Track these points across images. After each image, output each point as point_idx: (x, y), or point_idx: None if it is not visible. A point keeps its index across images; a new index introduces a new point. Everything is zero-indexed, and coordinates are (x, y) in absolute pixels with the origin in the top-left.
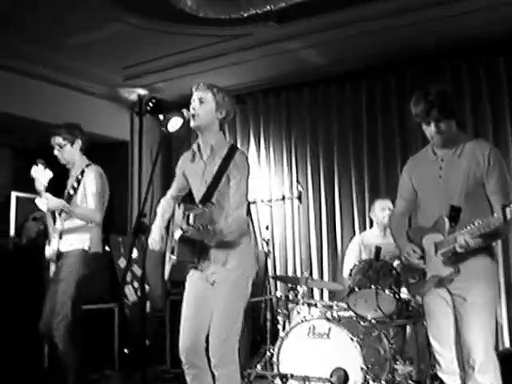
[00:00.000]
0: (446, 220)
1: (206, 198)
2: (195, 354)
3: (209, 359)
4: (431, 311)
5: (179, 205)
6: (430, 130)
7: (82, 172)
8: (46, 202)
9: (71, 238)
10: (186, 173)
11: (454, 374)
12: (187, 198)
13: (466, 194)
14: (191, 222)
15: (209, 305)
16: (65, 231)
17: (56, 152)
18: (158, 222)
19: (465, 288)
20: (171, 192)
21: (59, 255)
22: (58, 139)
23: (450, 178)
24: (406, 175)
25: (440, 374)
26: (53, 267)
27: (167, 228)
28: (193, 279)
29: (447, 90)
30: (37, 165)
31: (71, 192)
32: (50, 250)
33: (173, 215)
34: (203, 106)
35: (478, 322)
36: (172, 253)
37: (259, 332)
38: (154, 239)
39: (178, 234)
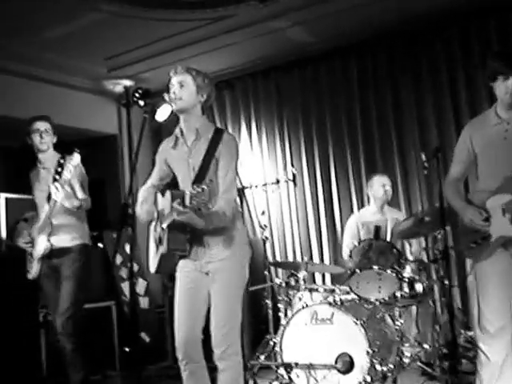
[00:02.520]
0: None
1: (198, 179)
2: (193, 348)
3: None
4: (488, 275)
5: (163, 193)
6: (504, 85)
7: (63, 160)
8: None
9: (70, 232)
10: (169, 160)
11: (495, 347)
12: (170, 187)
13: None
14: (187, 202)
15: (203, 296)
16: (61, 225)
17: (44, 136)
18: (138, 208)
19: None
20: (152, 181)
21: (56, 251)
22: (47, 125)
23: None
24: (466, 138)
25: (481, 344)
26: (36, 264)
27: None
28: (184, 270)
29: None
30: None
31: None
32: (42, 246)
33: (155, 204)
34: (184, 89)
35: None
36: (160, 243)
37: (261, 321)
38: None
39: (166, 222)
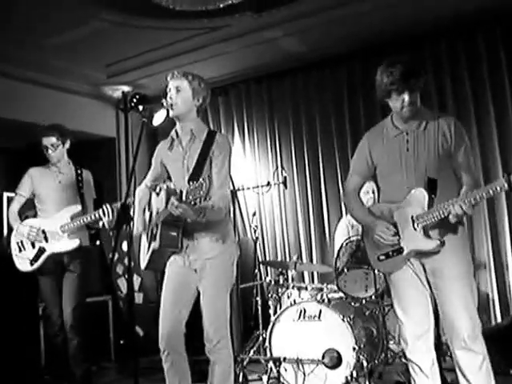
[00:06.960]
0: (425, 192)
1: (193, 177)
2: (176, 340)
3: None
4: (402, 286)
5: (157, 193)
6: (400, 99)
7: (80, 171)
8: None
9: (79, 234)
10: (164, 161)
11: (422, 353)
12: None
13: (437, 167)
14: (184, 197)
15: (190, 291)
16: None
17: (50, 152)
18: (136, 211)
19: (443, 261)
20: (146, 182)
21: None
22: (53, 139)
23: (419, 151)
24: (365, 150)
25: (407, 354)
26: (43, 258)
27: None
28: (173, 264)
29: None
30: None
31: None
32: (71, 244)
33: (149, 204)
34: (180, 94)
35: (460, 295)
36: (153, 239)
37: (251, 318)
38: (137, 227)
39: (161, 217)
